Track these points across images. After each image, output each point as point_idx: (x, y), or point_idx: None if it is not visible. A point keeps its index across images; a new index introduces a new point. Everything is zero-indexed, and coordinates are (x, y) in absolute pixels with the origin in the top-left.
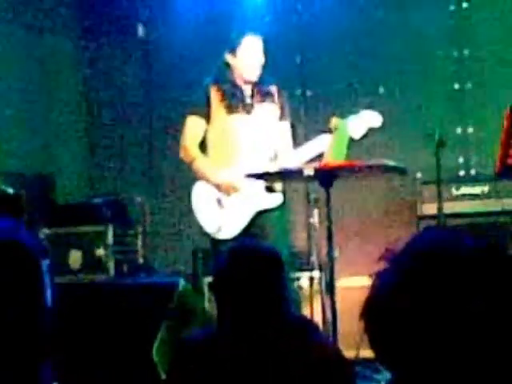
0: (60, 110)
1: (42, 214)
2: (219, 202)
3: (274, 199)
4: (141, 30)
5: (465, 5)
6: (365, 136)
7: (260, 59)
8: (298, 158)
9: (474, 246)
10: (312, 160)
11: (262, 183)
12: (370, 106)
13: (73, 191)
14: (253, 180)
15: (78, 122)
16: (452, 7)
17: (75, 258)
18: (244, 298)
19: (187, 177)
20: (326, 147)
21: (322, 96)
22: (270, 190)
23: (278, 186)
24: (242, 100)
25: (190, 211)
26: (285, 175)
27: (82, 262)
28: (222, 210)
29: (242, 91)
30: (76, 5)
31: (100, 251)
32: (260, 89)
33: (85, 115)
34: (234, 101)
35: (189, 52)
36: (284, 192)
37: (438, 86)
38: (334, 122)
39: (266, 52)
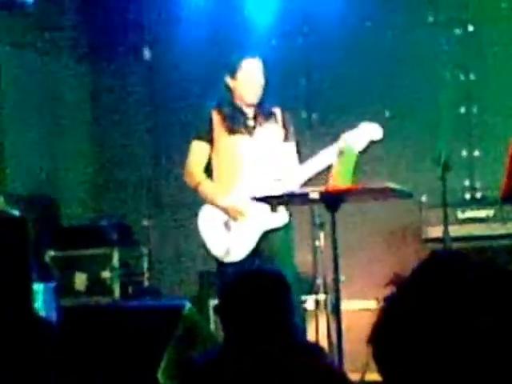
0: (66, 131)
1: (47, 237)
2: (226, 225)
3: (280, 218)
4: (147, 54)
5: (471, 28)
6: (367, 149)
7: (260, 81)
8: (304, 172)
9: (482, 270)
10: (320, 173)
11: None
12: None
13: (78, 213)
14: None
15: (84, 144)
16: (458, 31)
17: (80, 280)
18: (249, 318)
19: (193, 198)
20: (333, 168)
21: (327, 118)
22: (274, 209)
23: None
24: (244, 122)
25: (195, 233)
26: (290, 199)
27: (88, 285)
28: (230, 233)
29: (243, 113)
30: (81, 27)
31: (105, 274)
32: (263, 110)
33: (90, 137)
34: (236, 123)
35: (194, 74)
36: (290, 213)
37: (443, 109)
38: (340, 145)
39: (269, 74)
